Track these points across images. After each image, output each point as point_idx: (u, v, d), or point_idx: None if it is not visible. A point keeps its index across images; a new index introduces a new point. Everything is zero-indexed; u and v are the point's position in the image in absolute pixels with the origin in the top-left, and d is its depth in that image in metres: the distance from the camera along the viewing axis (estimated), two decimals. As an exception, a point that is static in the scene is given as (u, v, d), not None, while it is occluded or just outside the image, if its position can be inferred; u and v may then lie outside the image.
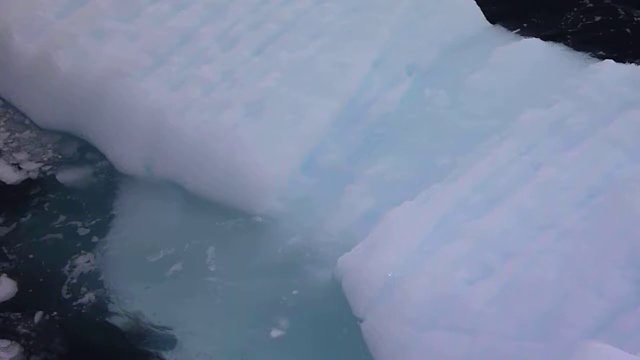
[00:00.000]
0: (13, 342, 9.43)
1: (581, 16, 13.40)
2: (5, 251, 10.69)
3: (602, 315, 7.76)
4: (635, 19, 13.49)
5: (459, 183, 9.26)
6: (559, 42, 12.43)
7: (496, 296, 7.99)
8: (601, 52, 12.34)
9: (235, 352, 9.22)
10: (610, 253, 8.04)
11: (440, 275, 8.36)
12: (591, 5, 13.65)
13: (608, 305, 7.80)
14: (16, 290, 9.89)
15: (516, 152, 9.57)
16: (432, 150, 10.02)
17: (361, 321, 8.62)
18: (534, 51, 11.40)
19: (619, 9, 13.79)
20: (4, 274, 10.27)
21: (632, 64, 11.04)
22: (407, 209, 9.16)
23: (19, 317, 9.68)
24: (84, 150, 11.34)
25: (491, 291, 8.06)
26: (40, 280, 10.24)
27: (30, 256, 10.57)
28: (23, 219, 10.92)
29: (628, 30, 13.26)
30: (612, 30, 13.26)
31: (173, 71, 10.80)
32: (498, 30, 12.07)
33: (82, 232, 10.73)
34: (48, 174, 11.33)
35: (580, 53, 12.00)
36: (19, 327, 9.54)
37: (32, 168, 11.26)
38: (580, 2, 13.71)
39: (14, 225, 10.90)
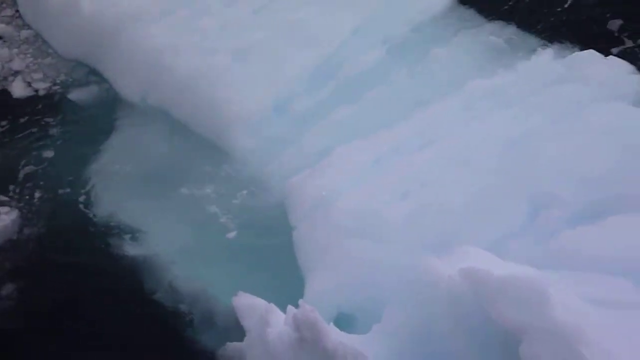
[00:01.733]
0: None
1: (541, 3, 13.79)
2: (6, 160, 11.93)
3: (493, 237, 8.86)
4: (591, 11, 13.51)
5: (400, 129, 10.35)
6: (516, 25, 12.91)
7: (408, 215, 9.13)
8: (553, 37, 12.67)
9: (185, 247, 10.43)
10: (511, 190, 9.15)
11: (366, 196, 9.49)
12: None
13: (500, 230, 8.94)
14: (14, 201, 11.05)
15: (455, 110, 10.60)
16: (389, 105, 10.97)
17: (294, 230, 9.79)
18: (491, 33, 12.23)
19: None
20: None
21: (573, 50, 11.74)
22: (352, 146, 10.31)
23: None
24: (93, 78, 12.63)
25: (404, 211, 9.20)
26: (38, 191, 11.47)
27: (31, 167, 11.81)
28: (26, 131, 12.18)
29: (578, 18, 13.42)
30: (566, 18, 13.53)
31: (177, 20, 11.93)
32: (465, 12, 12.76)
33: (81, 148, 11.86)
34: (56, 93, 12.67)
35: (531, 36, 12.61)
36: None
37: (42, 87, 12.63)
38: None
39: (17, 135, 12.19)
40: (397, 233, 9.35)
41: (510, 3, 14.21)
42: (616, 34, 13.43)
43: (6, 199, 11.45)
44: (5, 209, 11.26)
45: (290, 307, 8.85)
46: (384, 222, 9.59)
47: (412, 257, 8.76)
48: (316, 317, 8.93)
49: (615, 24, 13.31)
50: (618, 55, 11.95)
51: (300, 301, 9.00)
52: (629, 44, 12.99)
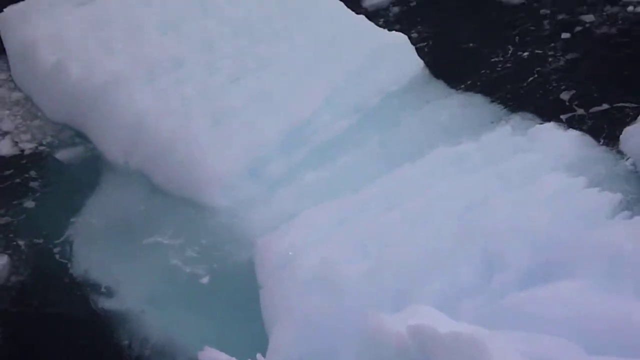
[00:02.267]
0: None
1: (509, 74, 14.12)
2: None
3: (447, 296, 9.17)
4: (553, 82, 14.01)
5: (367, 192, 10.78)
6: (483, 96, 13.41)
7: (367, 273, 9.45)
8: (517, 108, 13.12)
9: (156, 298, 10.73)
10: (465, 251, 9.52)
11: (329, 255, 9.79)
12: (519, 64, 14.41)
13: (454, 289, 9.28)
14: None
15: (420, 174, 10.97)
16: (358, 170, 11.39)
17: (261, 288, 10.14)
18: (459, 103, 12.70)
19: (547, 71, 14.28)
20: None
21: (535, 121, 12.27)
22: (318, 209, 10.75)
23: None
24: (78, 140, 12.98)
25: (364, 269, 9.54)
26: (20, 240, 11.74)
27: (14, 221, 12.08)
28: (9, 184, 12.51)
29: (541, 87, 13.84)
30: (530, 88, 13.82)
31: (160, 86, 12.32)
32: (435, 83, 13.28)
33: (62, 203, 12.19)
34: (42, 153, 12.97)
35: (497, 106, 13.12)
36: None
37: (29, 147, 12.95)
38: (507, 62, 14.47)
39: (1, 193, 12.47)
40: (356, 289, 9.61)
41: (478, 76, 14.17)
42: (571, 104, 13.36)
43: None
44: None
45: (249, 362, 8.99)
46: (344, 279, 9.79)
47: (370, 311, 9.18)
48: None
49: (571, 94, 13.43)
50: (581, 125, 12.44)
51: (258, 355, 9.07)
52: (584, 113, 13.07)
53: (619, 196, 10.95)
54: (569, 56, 14.70)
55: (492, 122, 12.58)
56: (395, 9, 15.87)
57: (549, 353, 8.64)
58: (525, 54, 14.98)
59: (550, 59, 14.67)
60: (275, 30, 13.22)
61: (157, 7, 13.83)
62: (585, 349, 8.99)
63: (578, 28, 15.09)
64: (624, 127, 12.59)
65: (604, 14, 15.13)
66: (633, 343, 9.05)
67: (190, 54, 12.82)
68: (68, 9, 14.29)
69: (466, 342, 8.11)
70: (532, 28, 15.65)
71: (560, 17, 15.42)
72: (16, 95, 14.03)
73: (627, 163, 11.92)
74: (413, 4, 16.07)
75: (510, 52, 14.93)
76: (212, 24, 13.39)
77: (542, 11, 15.77)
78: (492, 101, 13.42)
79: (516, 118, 12.66)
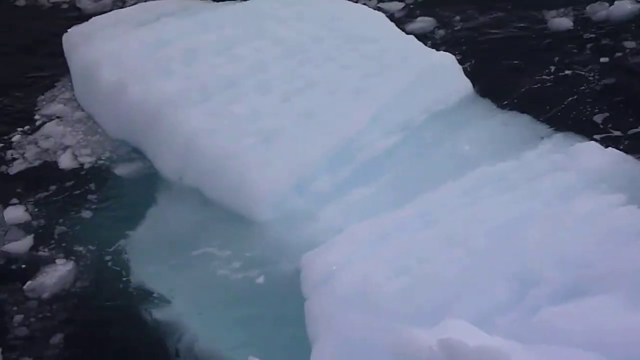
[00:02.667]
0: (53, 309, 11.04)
1: (551, 93, 14.24)
2: (48, 219, 12.54)
3: (482, 312, 9.42)
4: (597, 101, 14.10)
5: (407, 210, 10.98)
6: (525, 113, 13.57)
7: (404, 288, 9.72)
8: (560, 127, 13.17)
9: (205, 305, 11.03)
10: (500, 269, 9.79)
11: (369, 270, 10.04)
12: (564, 88, 14.38)
13: (489, 305, 9.53)
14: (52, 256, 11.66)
15: (459, 193, 11.17)
16: (400, 187, 11.60)
17: (305, 300, 10.38)
18: (503, 122, 12.94)
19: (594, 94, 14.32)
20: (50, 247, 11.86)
21: (574, 139, 12.34)
22: (362, 225, 10.92)
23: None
24: (135, 156, 13.32)
25: (402, 285, 9.83)
26: (80, 251, 12.05)
27: (72, 231, 12.40)
28: (68, 195, 12.88)
29: (579, 107, 13.92)
30: (569, 108, 13.87)
31: (213, 106, 12.54)
32: (481, 102, 13.51)
33: (118, 215, 12.53)
34: (101, 168, 13.29)
35: (541, 125, 13.21)
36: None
37: (89, 161, 13.31)
38: (554, 84, 14.42)
39: (59, 197, 12.90)
40: (394, 304, 9.83)
41: (521, 95, 14.19)
42: (605, 125, 13.50)
43: (48, 253, 12.07)
44: (62, 260, 11.84)
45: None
46: (383, 294, 9.90)
47: (403, 326, 9.48)
48: None
49: (606, 116, 13.51)
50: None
51: None
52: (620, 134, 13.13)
53: None
54: (606, 80, 14.62)
55: (533, 141, 12.47)
56: (441, 32, 16.10)
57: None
58: (567, 74, 14.84)
59: (590, 81, 14.55)
60: (325, 50, 13.28)
61: (213, 30, 13.98)
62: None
63: (618, 54, 15.01)
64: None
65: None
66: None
67: (242, 74, 12.98)
68: (128, 30, 14.49)
69: (492, 355, 8.25)
70: (575, 51, 15.66)
71: (603, 42, 15.50)
72: (78, 113, 14.36)
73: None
74: (457, 27, 16.26)
75: (552, 72, 14.95)
76: (264, 45, 13.49)
77: (585, 36, 15.83)
78: (534, 120, 13.49)
79: (558, 136, 12.63)
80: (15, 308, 11.48)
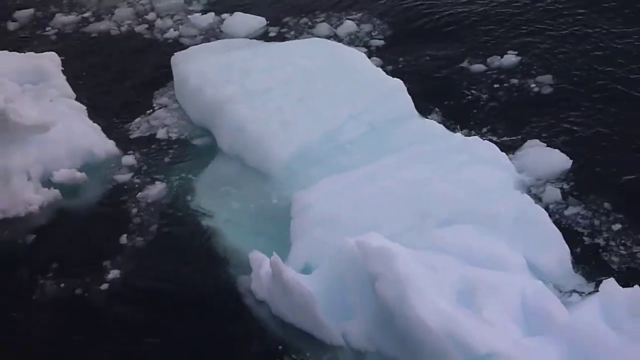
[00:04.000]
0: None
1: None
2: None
3: (394, 232, 10.32)
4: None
5: (362, 172, 11.57)
6: (447, 117, 13.15)
7: (351, 217, 10.76)
8: (470, 126, 12.81)
9: (234, 221, 11.65)
10: (409, 208, 10.84)
11: (331, 205, 11.04)
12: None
13: (398, 228, 10.51)
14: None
15: (396, 163, 11.60)
16: (362, 158, 11.96)
17: (291, 219, 11.18)
18: (429, 125, 12.69)
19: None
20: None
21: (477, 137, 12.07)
22: (332, 179, 11.56)
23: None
24: (205, 134, 13.56)
25: (350, 214, 10.84)
26: (167, 182, 12.56)
27: (162, 172, 12.84)
28: (162, 156, 13.28)
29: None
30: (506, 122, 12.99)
31: (254, 104, 12.85)
32: (421, 115, 13.07)
33: (191, 171, 12.80)
34: (184, 141, 13.56)
35: (454, 123, 12.96)
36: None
37: (176, 135, 13.66)
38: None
39: (156, 157, 13.29)
40: (343, 225, 10.67)
41: (446, 106, 13.50)
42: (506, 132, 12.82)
43: (149, 179, 12.68)
44: (159, 182, 12.55)
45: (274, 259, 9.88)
46: (337, 219, 10.82)
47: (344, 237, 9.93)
48: (279, 262, 9.87)
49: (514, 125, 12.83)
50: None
51: (274, 254, 9.94)
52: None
53: (519, 178, 11.68)
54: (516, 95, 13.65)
55: (447, 137, 12.33)
56: (395, 65, 14.98)
57: (437, 264, 9.54)
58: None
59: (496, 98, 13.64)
60: (324, 74, 13.42)
61: (260, 57, 14.03)
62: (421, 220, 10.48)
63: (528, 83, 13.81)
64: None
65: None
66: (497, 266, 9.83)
67: (274, 86, 13.16)
68: (208, 56, 14.43)
69: (384, 251, 9.29)
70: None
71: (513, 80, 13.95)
72: (175, 105, 14.44)
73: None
74: (406, 62, 15.02)
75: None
76: (288, 69, 13.55)
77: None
78: (452, 124, 13.13)
79: (464, 133, 12.64)
80: (133, 205, 12.23)
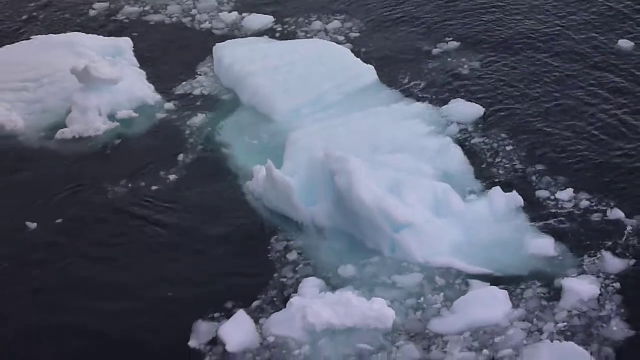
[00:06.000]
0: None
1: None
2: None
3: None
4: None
5: (337, 121, 12.41)
6: (411, 88, 13.52)
7: (325, 145, 11.73)
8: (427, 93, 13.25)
9: (243, 146, 12.52)
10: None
11: (313, 139, 11.82)
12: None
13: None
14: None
15: (363, 115, 12.48)
16: (339, 114, 12.75)
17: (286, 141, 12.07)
18: (391, 93, 13.35)
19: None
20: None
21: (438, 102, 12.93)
22: (315, 127, 12.32)
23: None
24: (232, 92, 14.09)
25: (323, 141, 11.64)
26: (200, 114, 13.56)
27: (192, 112, 13.66)
28: (197, 104, 14.02)
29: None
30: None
31: (268, 74, 13.65)
32: (384, 87, 13.68)
33: (218, 115, 13.48)
34: (215, 95, 14.16)
35: (412, 94, 13.29)
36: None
37: (209, 92, 14.27)
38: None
39: (192, 105, 14.00)
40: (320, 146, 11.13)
41: (409, 79, 13.85)
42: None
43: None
44: (196, 118, 13.33)
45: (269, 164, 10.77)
46: (317, 145, 11.35)
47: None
48: (272, 165, 10.71)
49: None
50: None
51: (268, 161, 10.81)
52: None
53: (444, 124, 12.29)
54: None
55: (400, 98, 13.13)
56: (367, 53, 15.01)
57: (378, 170, 10.41)
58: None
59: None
60: (316, 61, 14.05)
61: (276, 48, 14.72)
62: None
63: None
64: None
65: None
66: (419, 175, 10.71)
67: (283, 66, 13.92)
68: (241, 47, 15.09)
69: (342, 157, 10.22)
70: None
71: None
72: (212, 74, 14.92)
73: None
74: (376, 47, 15.27)
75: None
76: (295, 56, 14.19)
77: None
78: (406, 90, 13.57)
79: (413, 97, 13.16)
80: (171, 137, 13.19)
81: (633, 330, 8.52)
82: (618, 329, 8.49)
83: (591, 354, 8.16)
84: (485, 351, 8.43)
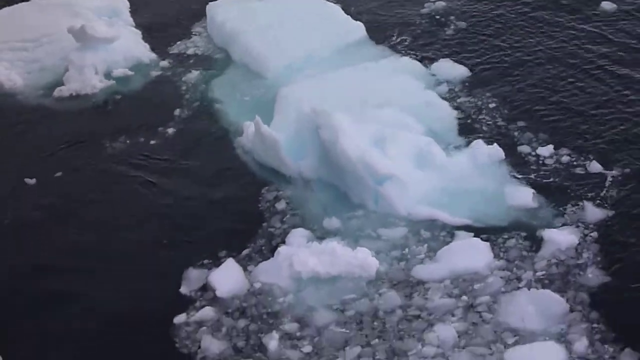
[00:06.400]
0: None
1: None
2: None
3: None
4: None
5: (327, 76, 12.23)
6: (399, 48, 13.34)
7: (315, 103, 11.52)
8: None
9: (239, 105, 12.43)
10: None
11: (302, 94, 11.50)
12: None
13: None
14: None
15: (351, 70, 12.30)
16: (330, 68, 12.47)
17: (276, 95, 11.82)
18: (380, 50, 13.25)
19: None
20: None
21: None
22: (305, 82, 12.18)
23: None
24: (224, 50, 14.01)
25: (314, 99, 11.33)
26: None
27: (190, 66, 13.72)
28: (194, 60, 14.01)
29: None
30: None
31: (261, 33, 13.47)
32: (373, 44, 13.63)
33: (214, 72, 13.44)
34: (209, 54, 14.12)
35: (398, 50, 13.26)
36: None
37: (203, 48, 14.32)
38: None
39: (192, 60, 13.99)
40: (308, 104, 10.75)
41: (398, 35, 13.81)
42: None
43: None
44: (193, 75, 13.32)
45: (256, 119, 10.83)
46: (306, 102, 10.83)
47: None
48: (259, 121, 10.73)
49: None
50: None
51: (256, 116, 10.80)
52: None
53: (432, 81, 12.21)
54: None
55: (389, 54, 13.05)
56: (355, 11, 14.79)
57: (362, 123, 10.34)
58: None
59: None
60: (307, 17, 13.95)
61: (268, 6, 14.43)
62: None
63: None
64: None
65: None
66: (404, 129, 10.55)
67: (274, 24, 13.81)
68: (233, 5, 14.73)
69: (326, 111, 10.17)
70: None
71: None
72: (206, 33, 14.92)
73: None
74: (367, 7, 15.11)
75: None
76: (285, 14, 14.07)
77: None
78: (393, 46, 13.51)
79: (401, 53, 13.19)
80: (166, 93, 13.11)
81: (608, 276, 8.52)
82: (593, 276, 8.52)
83: (567, 300, 8.19)
84: (464, 297, 8.50)
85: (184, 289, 9.04)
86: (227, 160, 11.51)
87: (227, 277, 8.96)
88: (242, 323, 8.45)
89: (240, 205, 10.51)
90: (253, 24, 14.17)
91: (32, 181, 11.48)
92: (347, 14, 14.41)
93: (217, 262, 9.34)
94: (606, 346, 7.60)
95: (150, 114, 12.82)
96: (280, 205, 10.25)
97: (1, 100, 13.65)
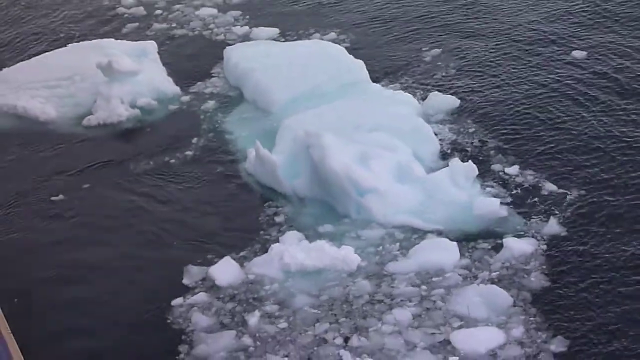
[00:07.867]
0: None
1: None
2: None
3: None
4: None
5: (327, 108, 13.25)
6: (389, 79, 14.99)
7: (313, 123, 12.74)
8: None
9: (246, 129, 13.97)
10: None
11: (305, 121, 12.75)
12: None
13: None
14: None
15: (349, 106, 13.37)
16: (327, 99, 13.68)
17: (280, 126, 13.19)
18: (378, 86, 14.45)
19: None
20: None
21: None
22: (308, 113, 13.14)
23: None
24: (237, 89, 15.49)
25: (312, 123, 12.76)
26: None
27: (207, 97, 15.46)
28: (207, 94, 15.69)
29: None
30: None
31: (269, 72, 14.69)
32: (372, 80, 14.65)
33: (227, 104, 15.06)
34: (224, 92, 15.58)
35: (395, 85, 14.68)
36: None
37: (219, 89, 15.76)
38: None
39: (207, 94, 15.63)
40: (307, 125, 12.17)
41: (396, 71, 15.46)
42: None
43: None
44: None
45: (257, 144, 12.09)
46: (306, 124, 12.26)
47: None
48: (259, 145, 11.94)
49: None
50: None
51: (256, 141, 12.06)
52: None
53: (422, 111, 13.41)
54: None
55: (384, 89, 14.24)
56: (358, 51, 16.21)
57: (350, 144, 11.48)
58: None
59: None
60: (315, 58, 15.08)
61: (277, 49, 15.99)
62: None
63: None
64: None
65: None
66: (389, 150, 11.66)
67: (283, 64, 14.98)
68: (247, 48, 16.40)
69: (317, 133, 11.31)
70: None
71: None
72: (222, 75, 16.32)
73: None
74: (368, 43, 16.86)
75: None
76: (293, 55, 15.43)
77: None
78: (390, 83, 14.96)
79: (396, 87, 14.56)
80: (185, 123, 14.73)
81: (548, 282, 9.81)
82: (535, 280, 9.78)
83: (510, 295, 9.47)
84: (424, 287, 9.87)
85: (185, 281, 10.45)
86: (234, 181, 12.98)
87: (225, 270, 10.29)
88: (230, 305, 9.78)
89: (243, 218, 11.93)
90: (263, 63, 15.47)
91: (59, 197, 13.05)
92: (350, 54, 15.71)
93: (218, 261, 10.71)
94: (540, 333, 8.87)
95: (171, 140, 14.31)
96: (279, 218, 11.57)
97: (35, 130, 15.24)
